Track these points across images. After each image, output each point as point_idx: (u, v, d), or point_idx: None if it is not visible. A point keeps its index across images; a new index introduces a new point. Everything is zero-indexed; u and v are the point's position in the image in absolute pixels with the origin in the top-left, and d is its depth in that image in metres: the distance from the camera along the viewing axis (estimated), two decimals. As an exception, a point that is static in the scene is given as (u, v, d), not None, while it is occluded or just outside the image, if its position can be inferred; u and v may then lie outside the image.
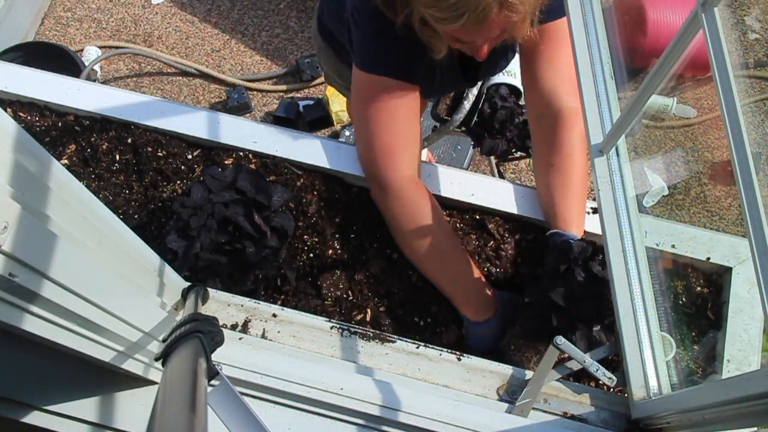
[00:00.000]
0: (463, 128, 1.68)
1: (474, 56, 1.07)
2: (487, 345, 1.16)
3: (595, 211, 1.20)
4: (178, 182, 1.28)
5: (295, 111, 2.49)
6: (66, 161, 1.31)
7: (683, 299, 1.18)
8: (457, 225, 1.25)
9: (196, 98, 2.65)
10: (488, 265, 1.22)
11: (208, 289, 1.07)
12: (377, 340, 1.07)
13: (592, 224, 1.19)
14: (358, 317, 1.20)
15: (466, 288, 1.15)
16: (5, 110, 1.31)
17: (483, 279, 1.16)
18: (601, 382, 1.00)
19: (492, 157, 2.24)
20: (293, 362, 1.00)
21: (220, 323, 1.05)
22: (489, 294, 1.15)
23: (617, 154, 1.03)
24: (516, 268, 1.22)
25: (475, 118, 1.62)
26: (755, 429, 0.82)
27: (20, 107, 1.32)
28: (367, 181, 1.21)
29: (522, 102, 1.68)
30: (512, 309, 1.16)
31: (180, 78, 2.68)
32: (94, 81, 2.58)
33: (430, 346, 1.06)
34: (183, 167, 1.29)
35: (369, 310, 1.21)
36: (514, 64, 1.64)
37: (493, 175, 2.29)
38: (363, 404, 0.96)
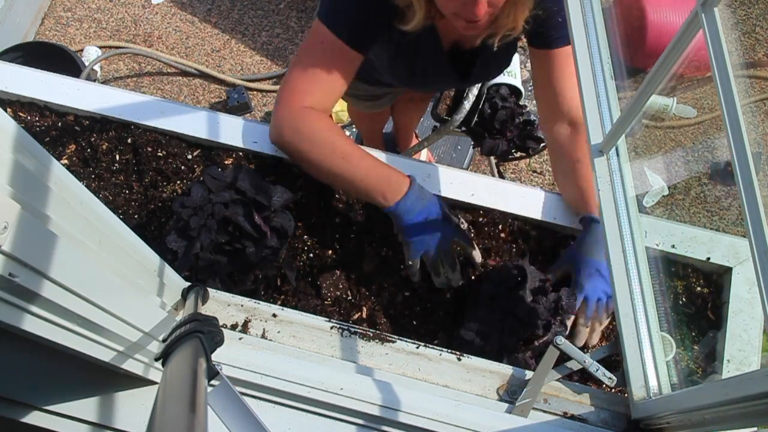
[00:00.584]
0: (464, 128, 1.68)
1: (470, 21, 1.01)
2: (427, 235, 1.08)
3: (595, 211, 1.20)
4: (178, 182, 1.28)
5: (295, 111, 2.49)
6: (66, 161, 1.31)
7: (683, 299, 1.18)
8: (457, 225, 1.25)
9: (196, 98, 2.65)
10: (488, 262, 1.22)
11: (208, 289, 1.07)
12: (377, 340, 1.07)
13: (592, 224, 1.18)
14: (358, 317, 1.20)
15: (375, 177, 1.09)
16: (5, 110, 1.32)
17: (390, 167, 1.12)
18: (603, 384, 1.00)
19: (492, 157, 2.24)
20: (293, 362, 1.00)
21: (220, 323, 1.05)
22: (401, 175, 1.11)
23: (617, 154, 1.03)
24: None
25: (475, 118, 1.63)
26: (755, 429, 0.82)
27: (20, 107, 1.32)
28: (275, 118, 1.13)
29: (522, 102, 1.68)
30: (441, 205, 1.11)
31: (180, 78, 2.68)
32: (94, 81, 2.58)
33: (430, 346, 1.06)
34: (183, 167, 1.29)
35: (368, 310, 1.21)
36: (514, 65, 1.65)
37: (493, 175, 2.29)
38: (363, 404, 0.96)
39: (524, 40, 1.20)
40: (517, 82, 1.68)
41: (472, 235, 1.22)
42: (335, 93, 1.14)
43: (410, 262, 1.11)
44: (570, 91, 1.18)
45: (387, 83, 1.54)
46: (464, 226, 1.16)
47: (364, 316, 1.20)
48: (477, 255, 1.17)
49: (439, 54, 1.25)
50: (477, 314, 1.13)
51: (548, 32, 1.14)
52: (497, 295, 1.12)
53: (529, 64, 1.59)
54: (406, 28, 1.07)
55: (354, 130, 2.48)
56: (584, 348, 1.14)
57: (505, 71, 1.58)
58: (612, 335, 1.17)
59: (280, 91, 1.13)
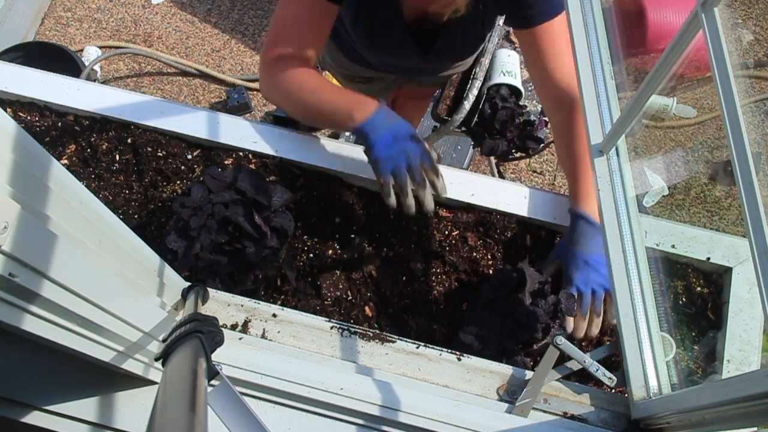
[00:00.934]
0: (463, 128, 1.68)
1: None
2: (396, 152, 1.07)
3: (595, 211, 1.20)
4: (178, 182, 1.28)
5: (295, 111, 2.49)
6: (66, 161, 1.31)
7: (683, 299, 1.18)
8: (457, 225, 1.25)
9: (196, 98, 2.65)
10: (489, 263, 1.22)
11: (208, 289, 1.07)
12: (377, 340, 1.07)
13: (592, 224, 1.18)
14: (358, 317, 1.20)
15: (344, 101, 1.12)
16: (5, 110, 1.32)
17: (357, 93, 1.14)
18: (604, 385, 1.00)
19: (492, 157, 2.24)
20: (293, 362, 1.00)
21: (220, 323, 1.05)
22: (368, 98, 1.12)
23: (617, 154, 1.03)
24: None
25: (475, 119, 1.63)
26: (755, 429, 0.82)
27: (20, 107, 1.32)
28: (259, 78, 1.20)
29: (522, 102, 1.69)
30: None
31: (180, 78, 2.68)
32: (94, 81, 2.58)
33: (430, 346, 1.06)
34: (183, 167, 1.29)
35: (368, 310, 1.21)
36: (513, 65, 1.65)
37: (493, 175, 2.29)
38: (363, 404, 0.96)
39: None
40: (517, 83, 1.68)
41: (476, 231, 1.22)
42: (313, 43, 1.15)
43: (381, 182, 1.08)
44: (560, 68, 1.16)
45: (371, 64, 1.54)
46: (434, 155, 1.13)
47: (364, 316, 1.20)
48: (441, 186, 1.10)
49: (399, 18, 1.24)
50: (476, 317, 1.13)
51: (522, 12, 1.13)
52: (496, 298, 1.12)
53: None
54: None
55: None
56: (585, 345, 1.14)
57: (504, 71, 1.58)
58: (612, 334, 1.17)
59: (261, 46, 1.14)
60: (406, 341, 1.07)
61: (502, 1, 1.09)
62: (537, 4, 1.09)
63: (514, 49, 1.71)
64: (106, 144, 1.30)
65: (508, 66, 1.69)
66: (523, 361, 1.08)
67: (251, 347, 1.03)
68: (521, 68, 1.73)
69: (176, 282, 0.99)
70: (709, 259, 1.16)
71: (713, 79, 0.72)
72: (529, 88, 2.18)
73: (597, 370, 1.00)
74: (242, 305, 1.08)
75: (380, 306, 1.21)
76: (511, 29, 1.66)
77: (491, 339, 1.09)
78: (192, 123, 1.29)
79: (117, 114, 1.29)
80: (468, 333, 1.10)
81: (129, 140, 1.30)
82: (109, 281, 0.70)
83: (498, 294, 1.12)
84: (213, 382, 0.68)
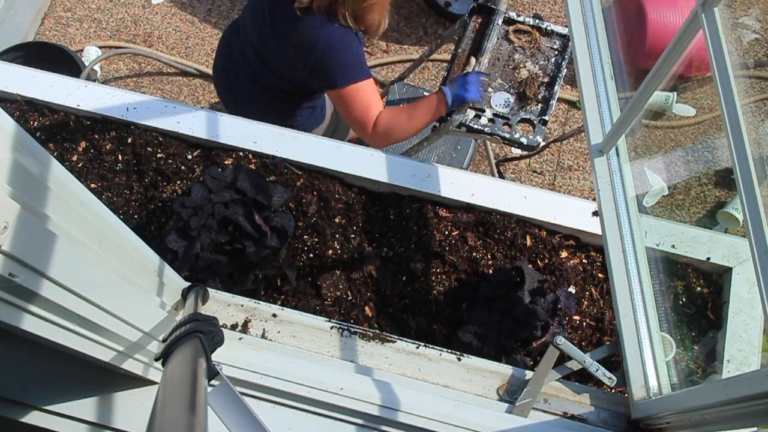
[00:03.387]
0: (464, 128, 1.67)
1: None
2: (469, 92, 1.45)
3: (595, 213, 1.20)
4: (178, 182, 1.28)
5: (295, 111, 2.49)
6: (67, 162, 1.31)
7: (683, 299, 1.17)
8: (457, 225, 1.25)
9: (196, 98, 2.65)
10: (488, 263, 1.22)
11: (208, 289, 1.07)
12: (377, 340, 1.07)
13: (592, 224, 1.18)
14: (358, 317, 1.20)
15: (431, 107, 1.45)
16: (5, 110, 1.31)
17: (431, 97, 1.46)
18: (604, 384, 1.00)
19: (492, 157, 2.25)
20: (293, 362, 1.00)
21: (220, 323, 1.05)
22: (436, 96, 1.45)
23: (617, 154, 1.03)
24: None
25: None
26: (755, 429, 0.82)
27: (20, 107, 1.32)
28: (365, 140, 1.46)
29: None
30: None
31: (180, 78, 2.68)
32: (94, 81, 2.58)
33: (430, 346, 1.06)
34: (183, 167, 1.29)
35: (368, 310, 1.21)
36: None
37: (493, 175, 2.29)
38: (363, 404, 0.96)
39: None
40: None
41: (479, 231, 1.22)
42: (378, 100, 1.47)
43: (456, 117, 1.48)
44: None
45: None
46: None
47: (364, 316, 1.20)
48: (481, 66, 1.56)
49: None
50: (475, 316, 1.13)
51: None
52: (495, 296, 1.12)
53: (530, 66, 1.60)
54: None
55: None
56: (585, 345, 1.14)
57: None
58: (612, 335, 1.17)
59: (359, 121, 1.41)
60: (406, 341, 1.07)
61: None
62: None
63: (514, 49, 1.70)
64: (109, 144, 1.30)
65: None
66: (522, 359, 1.08)
67: (251, 347, 1.03)
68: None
69: (176, 282, 0.99)
70: (709, 259, 1.16)
71: (713, 79, 0.72)
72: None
73: (597, 370, 1.00)
74: (242, 305, 1.08)
75: (380, 306, 1.21)
76: (510, 29, 1.68)
77: (490, 337, 1.09)
78: (192, 123, 1.29)
79: (117, 114, 1.29)
80: (467, 332, 1.10)
81: (129, 140, 1.29)
82: (109, 281, 0.69)
83: (497, 292, 1.12)
84: (213, 382, 0.68)
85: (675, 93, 2.42)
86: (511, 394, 1.02)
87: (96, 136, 1.31)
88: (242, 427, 0.65)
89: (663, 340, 0.97)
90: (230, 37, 1.58)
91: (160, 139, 1.29)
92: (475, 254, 1.23)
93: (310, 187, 1.26)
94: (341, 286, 1.21)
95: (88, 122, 1.31)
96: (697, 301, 1.17)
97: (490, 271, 1.22)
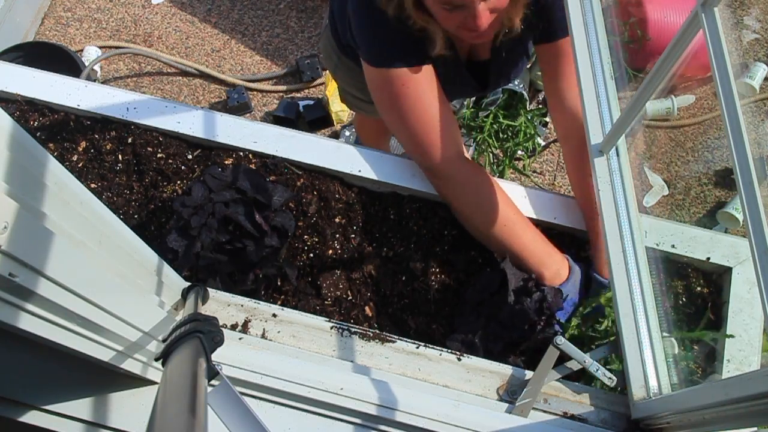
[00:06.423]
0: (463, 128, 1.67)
1: (474, 31, 1.02)
2: (568, 310, 1.14)
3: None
4: (178, 182, 1.28)
5: (295, 111, 2.49)
6: (67, 161, 1.31)
7: (683, 299, 1.17)
8: (457, 225, 1.25)
9: (196, 98, 2.65)
10: (489, 263, 1.22)
11: (208, 289, 1.07)
12: (377, 340, 1.07)
13: (592, 224, 1.18)
14: (358, 317, 1.20)
15: (537, 252, 1.15)
16: (5, 110, 1.31)
17: (550, 244, 1.17)
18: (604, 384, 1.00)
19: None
20: (293, 362, 1.00)
21: (220, 323, 1.05)
22: (561, 256, 1.16)
23: (617, 154, 1.03)
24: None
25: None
26: (755, 429, 0.82)
27: (20, 107, 1.32)
28: (422, 170, 1.21)
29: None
30: (584, 278, 1.18)
31: (180, 78, 2.68)
32: (94, 81, 2.58)
33: (430, 346, 1.06)
34: (183, 167, 1.29)
35: (368, 310, 1.21)
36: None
37: (494, 175, 2.29)
38: (363, 404, 0.96)
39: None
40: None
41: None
42: (448, 123, 1.14)
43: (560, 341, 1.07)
44: (570, 89, 1.17)
45: None
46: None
47: (364, 316, 1.20)
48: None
49: (459, 64, 1.23)
50: (462, 322, 1.13)
51: (552, 25, 1.13)
52: (482, 300, 1.12)
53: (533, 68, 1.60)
54: (434, 53, 1.09)
55: (353, 130, 2.48)
56: (584, 348, 1.14)
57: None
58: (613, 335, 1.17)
59: (412, 144, 1.16)
60: (405, 341, 1.07)
61: (541, 13, 1.09)
62: (561, 20, 1.10)
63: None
64: (109, 144, 1.30)
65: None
66: (514, 362, 1.08)
67: (251, 347, 1.03)
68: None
69: (176, 282, 0.99)
70: (709, 259, 1.16)
71: (713, 79, 0.72)
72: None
73: (597, 370, 1.00)
74: (242, 305, 1.08)
75: (380, 306, 1.21)
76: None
77: (475, 343, 1.09)
78: (192, 123, 1.29)
79: (117, 114, 1.29)
80: (454, 340, 1.10)
81: (129, 140, 1.29)
82: (109, 281, 0.69)
83: (482, 296, 1.12)
84: (213, 382, 0.68)
85: (674, 99, 2.41)
86: (511, 394, 1.02)
87: (96, 136, 1.31)
88: (242, 427, 0.65)
89: (663, 340, 0.97)
90: None
91: (161, 139, 1.29)
92: (475, 254, 1.23)
93: (311, 187, 1.26)
94: (341, 286, 1.22)
95: (88, 122, 1.31)
96: (697, 301, 1.17)
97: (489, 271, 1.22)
